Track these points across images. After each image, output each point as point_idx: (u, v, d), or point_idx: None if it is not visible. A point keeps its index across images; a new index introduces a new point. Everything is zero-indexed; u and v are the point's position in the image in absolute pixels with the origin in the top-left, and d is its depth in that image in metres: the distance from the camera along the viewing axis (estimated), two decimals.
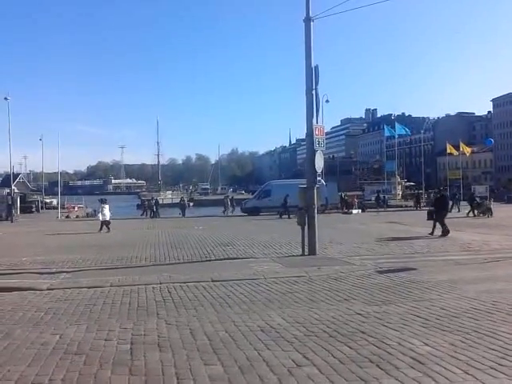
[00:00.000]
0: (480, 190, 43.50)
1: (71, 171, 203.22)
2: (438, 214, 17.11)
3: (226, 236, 17.95)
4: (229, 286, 8.49)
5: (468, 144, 76.91)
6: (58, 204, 56.15)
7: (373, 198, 50.45)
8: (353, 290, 7.80)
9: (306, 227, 12.85)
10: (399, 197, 55.92)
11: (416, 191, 49.94)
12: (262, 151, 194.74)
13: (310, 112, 13.00)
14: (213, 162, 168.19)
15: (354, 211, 35.54)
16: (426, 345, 4.69)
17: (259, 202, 33.43)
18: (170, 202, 69.78)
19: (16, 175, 56.80)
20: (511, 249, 13.21)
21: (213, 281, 9.05)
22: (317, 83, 12.89)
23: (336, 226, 22.63)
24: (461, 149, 54.12)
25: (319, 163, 13.03)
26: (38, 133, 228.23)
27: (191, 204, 73.05)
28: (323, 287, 8.13)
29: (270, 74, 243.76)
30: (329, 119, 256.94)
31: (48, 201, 55.05)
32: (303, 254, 12.70)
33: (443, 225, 16.63)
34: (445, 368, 4.03)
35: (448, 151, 54.81)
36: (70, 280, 9.42)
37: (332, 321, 5.75)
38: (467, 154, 62.81)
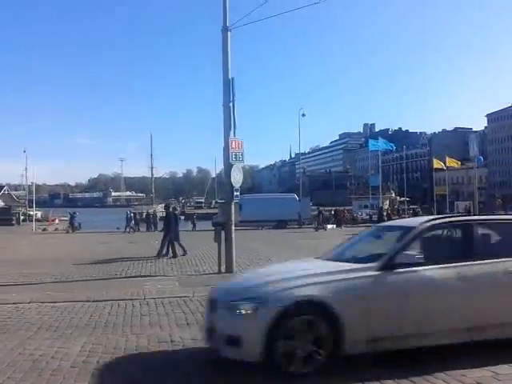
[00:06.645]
0: (462, 206, 42.87)
1: (73, 183, 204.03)
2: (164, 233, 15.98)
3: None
4: (93, 307, 8.08)
5: (464, 159, 76.30)
6: (40, 216, 56.27)
7: (360, 213, 49.92)
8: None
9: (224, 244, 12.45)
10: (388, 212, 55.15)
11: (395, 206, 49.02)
12: (262, 165, 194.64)
13: (227, 125, 12.58)
14: (214, 176, 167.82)
15: (329, 226, 34.95)
16: None
17: None
18: (161, 215, 68.96)
19: (0, 187, 56.81)
20: None
21: (88, 301, 8.64)
22: (234, 95, 12.54)
23: (294, 242, 22.17)
24: (447, 163, 53.51)
25: (236, 177, 12.58)
26: (41, 145, 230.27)
27: (182, 217, 73.17)
28: (182, 311, 7.66)
29: (272, 88, 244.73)
30: (327, 133, 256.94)
31: (32, 213, 54.70)
32: (219, 272, 12.21)
33: (170, 246, 15.44)
34: None
35: (435, 166, 54.32)
36: None
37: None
38: (457, 166, 62.04)
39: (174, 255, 15.34)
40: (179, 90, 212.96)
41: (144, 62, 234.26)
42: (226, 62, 12.70)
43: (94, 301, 8.60)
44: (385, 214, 39.55)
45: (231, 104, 12.56)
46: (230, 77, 12.61)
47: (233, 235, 12.67)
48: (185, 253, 15.71)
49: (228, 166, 12.56)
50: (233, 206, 12.79)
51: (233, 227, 12.77)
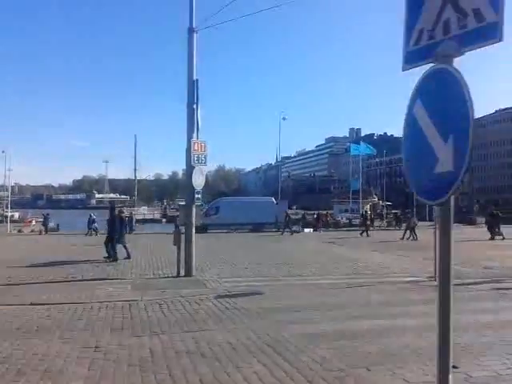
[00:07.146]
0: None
1: (56, 185, 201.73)
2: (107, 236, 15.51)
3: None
4: (34, 311, 7.88)
5: None
6: (18, 217, 55.56)
7: (340, 217, 49.76)
8: (147, 319, 7.21)
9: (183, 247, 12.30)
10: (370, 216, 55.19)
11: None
12: (249, 168, 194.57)
13: (190, 127, 12.50)
14: None
15: (306, 230, 34.89)
16: None
17: (206, 219, 32.61)
18: (142, 217, 68.58)
19: None
20: (402, 272, 12.73)
21: (32, 304, 8.46)
22: (197, 97, 12.41)
23: (266, 246, 22.05)
24: None
25: (198, 180, 12.46)
26: (27, 146, 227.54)
27: (164, 220, 73.31)
28: (123, 315, 7.49)
29: (262, 92, 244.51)
30: (315, 137, 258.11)
31: (9, 214, 53.78)
32: (178, 276, 12.05)
33: (111, 248, 15.08)
34: None
35: None
36: None
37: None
38: None
39: (114, 258, 14.91)
40: (169, 92, 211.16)
41: (138, 64, 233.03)
42: (192, 63, 12.60)
43: (38, 304, 8.42)
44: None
45: (195, 105, 12.45)
46: (194, 78, 12.50)
47: (193, 238, 12.54)
48: (128, 257, 15.34)
49: (190, 168, 12.42)
50: (194, 209, 12.66)
51: (193, 230, 12.65)
